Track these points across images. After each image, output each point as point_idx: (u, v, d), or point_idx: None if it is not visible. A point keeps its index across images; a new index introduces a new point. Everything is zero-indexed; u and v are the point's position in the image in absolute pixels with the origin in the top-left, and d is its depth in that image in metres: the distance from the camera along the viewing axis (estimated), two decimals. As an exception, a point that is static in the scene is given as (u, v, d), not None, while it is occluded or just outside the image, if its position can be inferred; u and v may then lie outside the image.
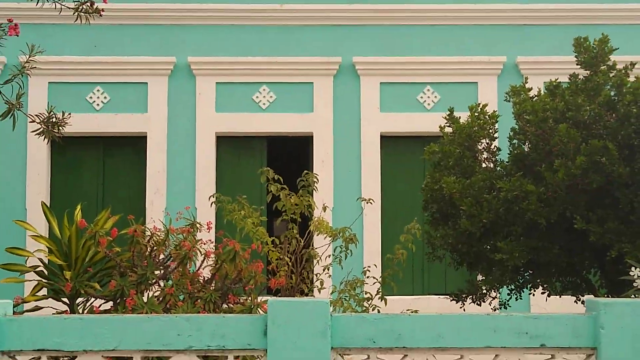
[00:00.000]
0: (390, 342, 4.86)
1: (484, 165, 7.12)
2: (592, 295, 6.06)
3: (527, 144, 6.78)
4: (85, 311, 7.59)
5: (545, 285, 6.94)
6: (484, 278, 7.08)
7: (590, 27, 9.74)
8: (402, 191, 11.45)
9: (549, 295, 7.10)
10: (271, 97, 11.68)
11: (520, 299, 7.55)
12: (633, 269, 5.69)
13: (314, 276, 8.57)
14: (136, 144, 11.64)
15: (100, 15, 8.05)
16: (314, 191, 8.85)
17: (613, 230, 6.11)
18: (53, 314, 6.42)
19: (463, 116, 7.33)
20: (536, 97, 6.81)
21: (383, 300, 8.46)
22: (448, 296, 7.62)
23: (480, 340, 4.84)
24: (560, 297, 7.14)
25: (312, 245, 8.61)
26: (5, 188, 11.35)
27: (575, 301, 7.05)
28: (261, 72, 11.68)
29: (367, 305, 8.14)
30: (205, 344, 4.85)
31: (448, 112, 7.43)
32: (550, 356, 4.92)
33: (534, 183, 6.36)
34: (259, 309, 7.23)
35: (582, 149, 6.14)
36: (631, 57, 7.25)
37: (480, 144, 7.17)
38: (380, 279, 8.94)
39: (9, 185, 11.36)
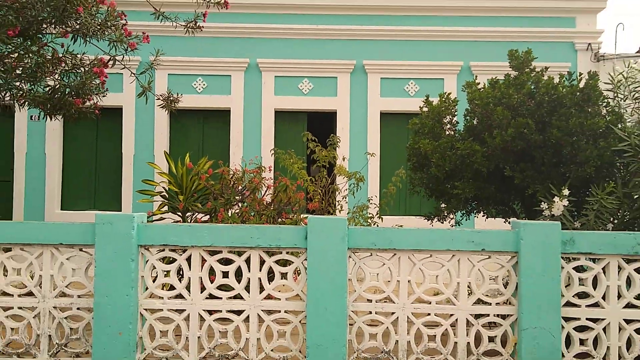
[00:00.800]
0: (385, 245, 4.91)
1: (447, 132, 7.05)
2: (515, 219, 6.04)
3: (475, 119, 6.70)
4: (192, 221, 7.69)
5: (485, 212, 6.93)
6: (445, 206, 7.07)
7: (519, 43, 9.54)
8: (393, 149, 11.39)
9: (487, 218, 7.09)
10: (310, 86, 11.60)
11: (468, 219, 7.54)
12: (542, 203, 5.68)
13: (337, 202, 8.61)
14: (223, 115, 11.63)
15: (201, 30, 8.01)
16: (337, 147, 8.84)
17: (530, 177, 6.07)
18: (172, 222, 6.49)
19: (434, 100, 7.26)
20: (482, 89, 6.71)
21: (380, 219, 8.51)
22: (422, 217, 7.62)
23: (443, 245, 4.88)
24: (494, 219, 7.12)
25: (335, 183, 8.63)
26: (141, 143, 11.43)
27: (504, 222, 7.03)
28: (304, 69, 11.59)
29: (370, 222, 8.18)
30: (268, 243, 4.91)
31: (425, 98, 7.34)
32: (488, 256, 4.95)
33: (480, 145, 6.30)
34: (301, 222, 7.31)
35: (511, 123, 6.07)
36: (545, 64, 7.10)
37: (445, 118, 7.09)
38: (378, 205, 8.97)
39: (143, 141, 11.44)
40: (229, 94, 11.57)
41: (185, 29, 7.90)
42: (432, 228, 5.24)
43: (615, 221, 5.59)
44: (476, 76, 8.47)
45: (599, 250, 4.83)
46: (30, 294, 5.00)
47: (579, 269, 4.94)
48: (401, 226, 6.53)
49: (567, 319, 4.85)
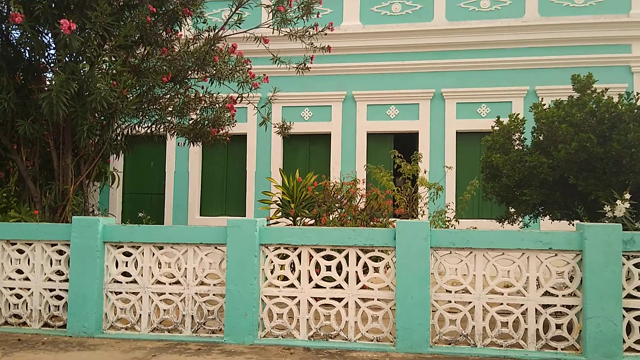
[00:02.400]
0: (462, 244, 4.77)
1: (516, 147, 6.74)
2: (579, 221, 5.68)
3: (542, 136, 6.37)
4: (301, 224, 7.80)
5: (550, 215, 6.57)
6: (514, 210, 6.76)
7: (580, 68, 9.01)
8: (467, 162, 11.03)
9: (552, 221, 6.71)
10: (396, 111, 11.48)
11: (535, 222, 7.19)
12: (605, 206, 5.32)
13: (419, 208, 8.44)
14: (325, 138, 11.72)
15: (309, 70, 8.17)
16: (419, 162, 8.68)
17: (592, 184, 5.72)
18: (285, 225, 6.62)
19: (504, 121, 6.97)
20: (547, 109, 6.38)
21: (457, 222, 8.25)
22: (493, 219, 7.33)
23: (514, 244, 4.68)
24: (559, 222, 6.73)
25: (418, 192, 8.46)
26: (260, 162, 11.72)
27: (568, 224, 6.64)
28: (390, 98, 11.48)
29: (448, 224, 7.96)
30: (363, 242, 4.90)
31: (496, 118, 7.08)
32: (554, 254, 4.69)
33: (546, 157, 6.00)
34: (390, 225, 7.23)
35: (575, 138, 5.74)
36: (605, 85, 6.65)
37: (514, 136, 6.78)
38: (455, 210, 8.72)
39: (262, 160, 11.73)
40: (330, 120, 11.67)
41: (297, 70, 8.09)
42: (504, 230, 5.03)
43: (673, 223, 5.15)
44: (542, 98, 8.04)
45: (658, 249, 4.47)
46: (177, 282, 5.26)
47: (639, 265, 4.58)
48: (475, 228, 6.30)
49: (627, 309, 4.51)
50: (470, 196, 8.27)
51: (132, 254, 5.32)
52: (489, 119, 10.23)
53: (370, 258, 4.95)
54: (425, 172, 8.88)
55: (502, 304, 4.75)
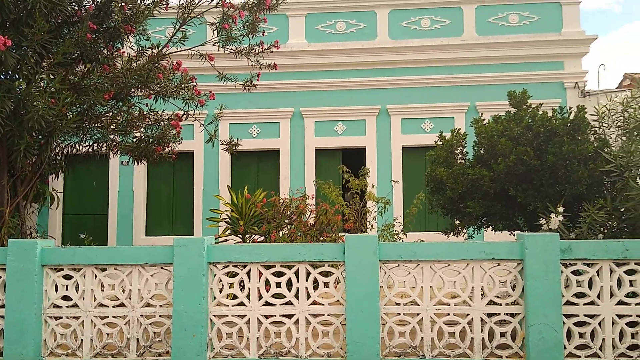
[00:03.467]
0: (409, 257, 4.84)
1: (459, 161, 6.95)
2: (519, 231, 5.89)
3: (482, 149, 6.60)
4: (250, 241, 7.72)
5: (493, 226, 6.78)
6: (459, 222, 6.94)
7: (517, 85, 9.43)
8: (413, 176, 11.29)
9: (495, 232, 6.93)
10: (344, 127, 11.63)
11: (479, 233, 7.40)
12: (541, 219, 5.54)
13: (368, 222, 8.54)
14: (274, 154, 11.73)
15: (255, 87, 8.17)
16: (367, 177, 8.80)
17: (531, 195, 5.95)
18: (234, 243, 6.53)
19: (447, 135, 7.18)
20: (487, 124, 6.62)
21: (405, 235, 8.39)
22: (440, 232, 7.49)
23: (459, 255, 4.78)
24: (501, 232, 6.95)
25: (366, 206, 8.56)
26: (208, 179, 11.59)
27: (510, 235, 6.86)
28: (338, 115, 11.64)
29: (396, 237, 8.08)
30: (312, 258, 4.89)
31: (439, 133, 7.29)
32: (497, 264, 4.82)
33: (487, 170, 6.21)
34: (339, 240, 7.26)
35: (513, 151, 5.97)
36: (539, 101, 6.98)
37: (457, 150, 7.00)
38: (402, 223, 8.87)
39: (210, 178, 11.60)
40: (278, 137, 11.69)
41: (243, 87, 8.07)
42: (449, 241, 5.15)
43: (605, 231, 5.42)
44: (481, 114, 8.37)
45: (593, 256, 4.68)
46: (121, 305, 5.08)
47: (576, 273, 4.78)
48: (422, 241, 6.41)
49: (567, 316, 4.68)
50: (416, 209, 8.44)
51: (72, 277, 5.11)
52: (433, 133, 10.52)
53: (320, 273, 4.94)
54: (373, 186, 9.00)
55: (449, 314, 4.84)
